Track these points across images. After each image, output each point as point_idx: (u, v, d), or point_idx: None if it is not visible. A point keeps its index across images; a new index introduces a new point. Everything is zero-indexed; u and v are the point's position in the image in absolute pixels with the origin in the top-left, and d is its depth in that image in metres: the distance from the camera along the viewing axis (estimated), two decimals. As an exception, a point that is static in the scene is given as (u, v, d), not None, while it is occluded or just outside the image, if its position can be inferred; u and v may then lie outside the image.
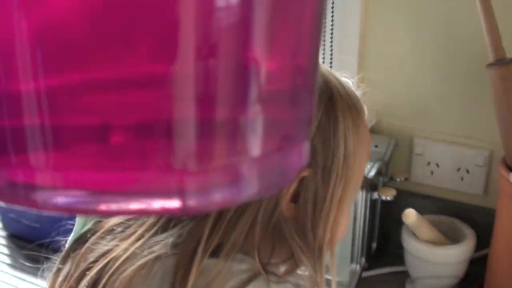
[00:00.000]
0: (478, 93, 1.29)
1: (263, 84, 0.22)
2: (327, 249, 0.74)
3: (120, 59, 0.21)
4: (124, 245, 0.69)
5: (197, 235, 0.67)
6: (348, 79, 0.83)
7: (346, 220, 0.77)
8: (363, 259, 1.34)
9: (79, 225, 0.78)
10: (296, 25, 0.24)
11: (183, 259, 0.65)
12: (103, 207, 0.22)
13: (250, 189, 0.23)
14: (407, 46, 1.36)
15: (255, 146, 0.22)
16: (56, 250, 0.78)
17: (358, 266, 1.33)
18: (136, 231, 0.70)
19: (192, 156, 0.21)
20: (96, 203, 0.22)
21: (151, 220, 0.70)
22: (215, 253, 0.67)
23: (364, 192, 1.26)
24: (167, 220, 0.70)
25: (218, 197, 0.21)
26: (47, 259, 0.77)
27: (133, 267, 0.66)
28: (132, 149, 0.21)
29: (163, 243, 0.67)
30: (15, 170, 0.22)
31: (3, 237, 1.57)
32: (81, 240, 0.74)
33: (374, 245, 1.40)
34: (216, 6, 0.21)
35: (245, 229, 0.67)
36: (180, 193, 0.21)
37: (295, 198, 0.70)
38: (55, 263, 0.75)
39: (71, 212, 0.23)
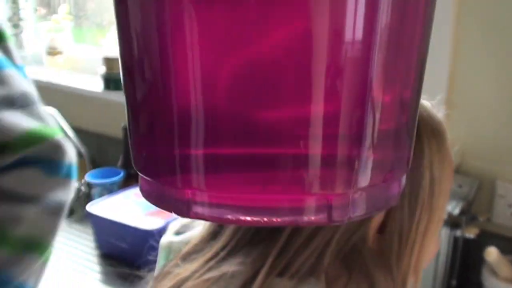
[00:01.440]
0: None
1: (377, 124, 0.28)
2: (412, 278, 0.72)
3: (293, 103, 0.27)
4: (194, 266, 0.70)
5: (265, 255, 0.66)
6: (427, 101, 0.78)
7: (433, 248, 0.75)
8: (443, 294, 1.39)
9: (162, 258, 0.80)
10: (406, 62, 0.30)
11: (249, 276, 0.65)
12: (258, 219, 0.28)
13: (358, 210, 0.29)
14: (495, 88, 1.41)
15: (365, 180, 0.29)
16: (145, 269, 0.82)
17: (438, 301, 1.37)
18: (206, 254, 0.70)
19: (325, 184, 0.28)
20: (254, 215, 0.28)
21: (220, 243, 0.70)
22: (282, 274, 0.65)
23: (448, 229, 1.31)
24: (235, 243, 0.69)
25: (336, 215, 0.28)
26: (137, 277, 0.82)
27: (198, 280, 0.67)
28: (289, 177, 0.28)
29: (231, 261, 0.67)
30: (187, 189, 0.29)
31: (96, 256, 1.67)
32: (162, 270, 0.75)
33: (454, 282, 1.44)
34: (345, 47, 0.26)
35: (315, 253, 0.65)
36: (320, 210, 0.28)
37: (381, 229, 0.69)
38: (143, 281, 0.78)
39: (231, 222, 0.29)
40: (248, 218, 0.28)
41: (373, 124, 0.28)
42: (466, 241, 1.40)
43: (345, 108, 0.27)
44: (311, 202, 0.28)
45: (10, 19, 2.40)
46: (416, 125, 0.32)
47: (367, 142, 0.28)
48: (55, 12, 2.32)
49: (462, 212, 1.36)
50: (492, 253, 1.29)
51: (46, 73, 2.25)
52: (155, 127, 0.29)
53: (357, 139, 0.28)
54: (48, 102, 1.09)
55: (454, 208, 1.34)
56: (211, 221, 0.29)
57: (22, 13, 2.40)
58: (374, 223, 0.68)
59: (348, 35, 0.26)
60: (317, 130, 0.27)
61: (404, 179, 0.33)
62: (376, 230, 0.69)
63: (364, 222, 0.66)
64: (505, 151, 1.44)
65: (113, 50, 1.99)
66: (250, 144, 0.27)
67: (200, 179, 0.28)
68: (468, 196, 1.41)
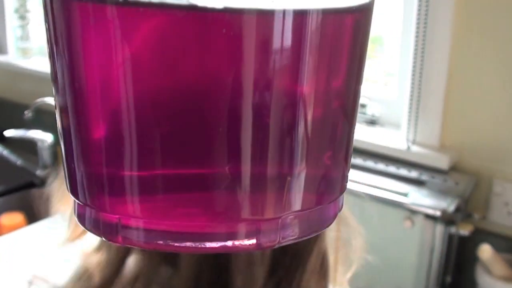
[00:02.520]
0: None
1: (306, 148, 0.28)
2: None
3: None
4: None
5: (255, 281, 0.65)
6: None
7: None
8: (437, 291, 1.39)
9: None
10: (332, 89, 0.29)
11: None
12: (188, 244, 0.28)
13: (290, 235, 0.29)
14: (493, 86, 1.42)
15: (297, 203, 0.29)
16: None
17: (431, 297, 1.38)
18: None
19: (254, 210, 0.28)
20: (183, 241, 0.28)
21: None
22: None
23: (443, 226, 1.32)
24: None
25: (266, 240, 0.29)
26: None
27: None
28: (217, 203, 0.28)
29: None
30: (115, 208, 0.29)
31: None
32: None
33: (448, 279, 1.45)
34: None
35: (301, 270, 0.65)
36: (248, 236, 0.28)
37: None
38: None
39: (158, 248, 0.28)
40: (177, 244, 0.28)
41: (302, 148, 0.28)
42: (461, 238, 1.40)
43: (273, 133, 0.27)
44: (239, 228, 0.28)
45: (17, 11, 2.42)
46: (351, 143, 0.32)
47: (296, 166, 0.28)
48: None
49: (458, 209, 1.37)
50: (485, 250, 1.30)
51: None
52: (83, 147, 0.29)
53: (286, 163, 0.28)
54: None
55: (449, 205, 1.34)
56: (139, 247, 0.29)
57: (29, 5, 2.41)
58: None
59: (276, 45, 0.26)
60: (244, 155, 0.27)
61: (341, 199, 0.33)
62: None
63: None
64: (503, 150, 1.44)
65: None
66: (178, 167, 0.27)
67: (128, 203, 0.28)
68: (464, 194, 1.41)
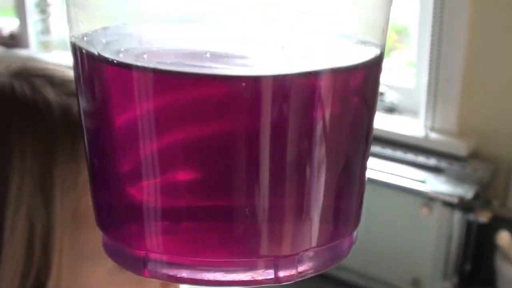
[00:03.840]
0: None
1: (321, 190, 0.30)
2: None
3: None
4: None
5: None
6: None
7: None
8: (456, 279, 1.38)
9: None
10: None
11: None
12: (211, 277, 0.30)
13: (306, 269, 0.31)
14: (509, 74, 1.41)
15: (314, 240, 0.31)
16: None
17: (450, 284, 1.37)
18: None
19: (269, 246, 0.30)
20: (206, 274, 0.30)
21: None
22: None
23: (460, 213, 1.31)
24: None
25: (285, 273, 0.30)
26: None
27: None
28: (237, 240, 0.30)
29: None
30: (144, 244, 0.30)
31: None
32: None
33: (467, 266, 1.44)
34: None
35: None
36: (274, 270, 0.30)
37: None
38: None
39: (182, 281, 0.30)
40: (198, 277, 0.30)
41: (318, 190, 0.30)
42: (480, 226, 1.39)
43: (291, 176, 0.29)
44: (258, 264, 0.30)
45: (37, 5, 2.44)
46: (364, 181, 0.34)
47: (312, 208, 0.30)
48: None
49: (476, 196, 1.36)
50: (504, 237, 1.29)
51: (72, 57, 2.28)
52: (111, 189, 0.31)
53: (304, 203, 0.30)
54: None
55: (467, 192, 1.34)
56: (165, 280, 0.31)
57: (50, -1, 2.43)
58: None
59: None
60: (262, 198, 0.29)
61: (355, 233, 0.34)
62: None
63: None
64: (522, 136, 1.43)
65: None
66: (200, 204, 0.29)
67: (154, 240, 0.30)
68: (483, 181, 1.41)
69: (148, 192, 0.29)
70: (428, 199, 1.34)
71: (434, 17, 1.42)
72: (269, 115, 0.27)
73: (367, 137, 0.33)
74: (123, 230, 0.31)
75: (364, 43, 0.32)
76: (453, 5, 1.40)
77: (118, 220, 0.31)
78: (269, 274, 0.30)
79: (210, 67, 0.28)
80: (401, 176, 1.40)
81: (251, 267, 0.30)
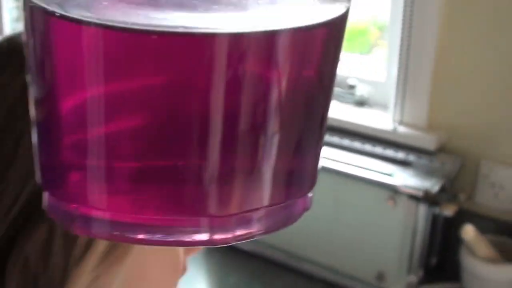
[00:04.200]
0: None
1: (274, 146, 0.30)
2: None
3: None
4: None
5: None
6: None
7: None
8: (421, 272, 1.39)
9: None
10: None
11: None
12: (142, 236, 0.29)
13: (258, 229, 0.30)
14: (479, 69, 1.41)
15: (265, 199, 0.30)
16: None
17: (415, 278, 1.38)
18: None
19: (216, 205, 0.29)
20: (138, 233, 0.29)
21: None
22: None
23: (425, 206, 1.32)
24: None
25: (233, 235, 0.29)
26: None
27: None
28: (175, 197, 0.29)
29: None
30: (75, 199, 0.30)
31: None
32: None
33: (433, 259, 1.45)
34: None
35: None
36: (207, 231, 0.29)
37: None
38: None
39: (125, 240, 0.30)
40: (129, 236, 0.29)
41: (271, 144, 0.29)
42: (446, 219, 1.40)
43: (240, 129, 0.28)
44: (192, 223, 0.29)
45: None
46: (322, 141, 0.33)
47: (264, 161, 0.29)
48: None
49: (442, 190, 1.37)
50: (468, 231, 1.30)
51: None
52: (52, 143, 0.31)
53: (253, 159, 0.29)
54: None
55: (433, 185, 1.34)
56: (95, 237, 0.30)
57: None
58: None
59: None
60: (205, 155, 0.28)
61: (310, 196, 0.33)
62: None
63: None
64: (491, 131, 1.44)
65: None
66: (142, 160, 0.29)
67: (84, 194, 0.29)
68: (450, 175, 1.41)
69: (86, 145, 0.29)
70: (394, 192, 1.34)
71: (404, 11, 1.42)
72: (222, 74, 0.27)
73: (326, 99, 0.32)
74: (58, 185, 0.31)
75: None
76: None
77: (56, 176, 0.31)
78: (203, 234, 0.29)
79: (163, 19, 0.27)
80: (369, 169, 1.40)
81: (185, 227, 0.29)
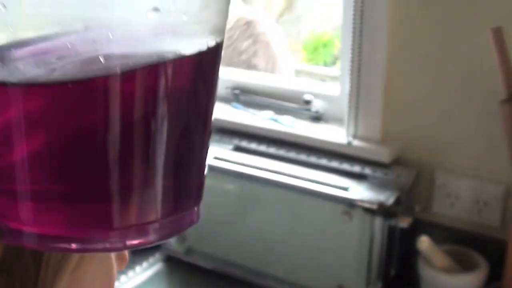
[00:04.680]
0: (497, 128, 1.34)
1: (160, 168, 0.34)
2: None
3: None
4: None
5: None
6: None
7: None
8: (380, 284, 1.40)
9: None
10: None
11: None
12: (63, 245, 0.33)
13: (153, 238, 0.35)
14: (430, 81, 1.43)
15: (157, 212, 0.35)
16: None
17: (374, 290, 1.39)
18: None
19: (114, 219, 0.33)
20: (58, 243, 0.33)
21: None
22: None
23: (381, 219, 1.33)
24: None
25: (133, 242, 0.34)
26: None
27: None
28: (79, 213, 0.33)
29: None
30: (12, 222, 0.34)
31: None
32: None
33: (392, 271, 1.46)
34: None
35: None
36: (106, 241, 0.34)
37: None
38: None
39: (48, 249, 0.35)
40: (53, 245, 0.34)
41: (156, 167, 0.34)
42: (404, 231, 1.41)
43: (129, 160, 0.33)
44: (92, 235, 0.34)
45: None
46: (204, 165, 0.38)
47: (151, 182, 0.34)
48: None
49: (398, 202, 1.38)
50: (424, 242, 1.31)
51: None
52: None
53: (142, 180, 0.33)
54: None
55: (388, 198, 1.35)
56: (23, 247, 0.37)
57: None
58: None
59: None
60: (108, 170, 0.32)
61: (197, 211, 0.38)
62: None
63: None
64: (444, 142, 1.46)
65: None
66: (56, 184, 0.33)
67: (9, 212, 0.34)
68: (405, 186, 1.42)
69: (5, 172, 0.33)
70: (349, 205, 1.35)
71: (354, 25, 1.44)
72: (109, 109, 0.31)
73: (205, 120, 0.36)
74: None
75: (196, 34, 0.34)
76: (373, 13, 1.42)
77: None
78: (100, 244, 0.33)
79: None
80: (325, 184, 1.41)
81: (85, 238, 0.33)
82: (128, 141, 0.32)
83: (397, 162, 1.51)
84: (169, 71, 0.32)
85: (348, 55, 1.48)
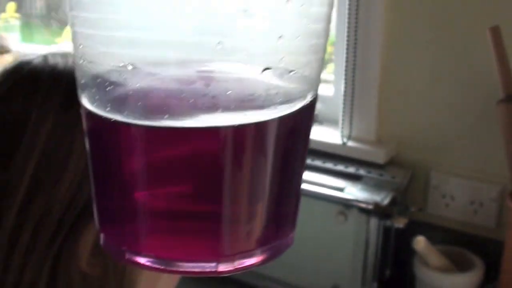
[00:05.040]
0: (493, 128, 1.34)
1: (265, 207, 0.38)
2: None
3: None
4: None
5: None
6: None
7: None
8: (375, 284, 1.39)
9: None
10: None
11: None
12: (173, 269, 0.38)
13: (255, 262, 0.39)
14: (425, 81, 1.43)
15: (261, 240, 0.39)
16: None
17: (370, 291, 1.38)
18: None
19: (223, 248, 0.37)
20: (169, 267, 0.37)
21: None
22: None
23: (376, 219, 1.32)
24: None
25: (235, 268, 0.38)
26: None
27: None
28: (190, 240, 0.38)
29: None
30: (124, 241, 0.39)
31: None
32: None
33: (387, 271, 1.45)
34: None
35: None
36: (214, 266, 0.38)
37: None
38: None
39: (155, 270, 0.38)
40: (163, 267, 0.37)
41: (264, 206, 0.38)
42: (399, 231, 1.41)
43: (244, 200, 0.37)
44: (204, 260, 0.38)
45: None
46: (299, 199, 0.43)
47: (260, 221, 0.38)
48: (3, 10, 2.31)
49: (393, 203, 1.37)
50: (420, 242, 1.30)
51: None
52: (103, 195, 0.40)
53: (252, 218, 0.38)
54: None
55: (383, 198, 1.35)
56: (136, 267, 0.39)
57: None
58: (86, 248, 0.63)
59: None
60: (225, 215, 0.37)
61: (292, 235, 0.42)
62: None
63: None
64: (439, 142, 1.45)
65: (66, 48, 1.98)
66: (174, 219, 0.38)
67: (131, 240, 0.38)
68: (400, 187, 1.42)
69: (135, 207, 0.38)
70: (345, 206, 1.34)
71: (349, 25, 1.43)
72: (230, 158, 0.35)
73: (301, 163, 0.41)
74: (112, 229, 0.40)
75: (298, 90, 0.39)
76: (368, 13, 1.42)
77: (111, 223, 0.40)
78: (211, 267, 0.37)
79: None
80: (321, 185, 1.40)
81: (202, 262, 0.37)
82: (241, 184, 0.37)
83: (392, 162, 1.50)
84: (276, 126, 0.36)
85: (342, 55, 1.47)
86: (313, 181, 1.41)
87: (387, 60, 1.45)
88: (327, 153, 1.52)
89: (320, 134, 1.55)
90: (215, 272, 0.38)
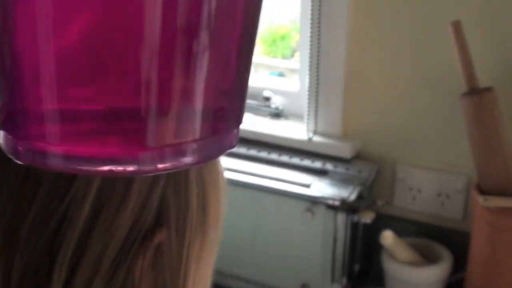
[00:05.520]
0: (458, 121, 1.34)
1: (202, 84, 0.31)
2: None
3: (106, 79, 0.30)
4: None
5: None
6: None
7: (207, 281, 0.68)
8: (345, 280, 1.39)
9: None
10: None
11: None
12: (81, 168, 0.31)
13: (190, 160, 0.32)
14: (390, 76, 1.43)
15: (195, 131, 0.32)
16: None
17: (339, 286, 1.38)
18: None
19: (147, 137, 0.30)
20: (78, 165, 0.31)
21: None
22: None
23: (344, 215, 1.32)
24: None
25: (166, 165, 0.31)
26: None
27: None
28: (108, 130, 0.30)
29: None
30: (35, 141, 0.32)
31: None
32: None
33: (356, 266, 1.45)
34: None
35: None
36: (136, 162, 0.31)
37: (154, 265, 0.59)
38: None
39: (74, 171, 0.31)
40: (70, 166, 0.31)
41: (198, 82, 0.31)
42: (366, 226, 1.40)
43: (171, 65, 0.30)
44: (122, 155, 0.31)
45: None
46: (247, 83, 0.35)
47: (193, 99, 0.31)
48: None
49: (360, 197, 1.37)
50: (387, 236, 1.30)
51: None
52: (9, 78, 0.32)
53: (183, 96, 0.31)
54: None
55: (350, 193, 1.34)
56: (36, 166, 0.32)
57: None
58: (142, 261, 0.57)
59: None
60: (146, 85, 0.29)
61: (236, 135, 0.36)
62: (149, 268, 0.58)
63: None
64: (404, 136, 1.45)
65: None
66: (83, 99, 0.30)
67: (40, 133, 0.31)
68: (367, 181, 1.42)
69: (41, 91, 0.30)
70: (311, 202, 1.33)
71: (312, 20, 1.42)
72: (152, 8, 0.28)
73: (251, 43, 0.34)
74: (19, 125, 0.32)
75: None
76: (332, 8, 1.41)
77: (17, 118, 0.32)
78: (131, 165, 0.30)
79: None
80: (287, 181, 1.39)
81: (115, 159, 0.31)
82: (168, 48, 0.29)
83: (358, 157, 1.50)
84: None
85: (306, 50, 1.46)
86: (280, 178, 1.40)
87: (351, 55, 1.44)
88: (293, 148, 1.51)
89: (285, 129, 1.54)
90: (137, 171, 0.31)
